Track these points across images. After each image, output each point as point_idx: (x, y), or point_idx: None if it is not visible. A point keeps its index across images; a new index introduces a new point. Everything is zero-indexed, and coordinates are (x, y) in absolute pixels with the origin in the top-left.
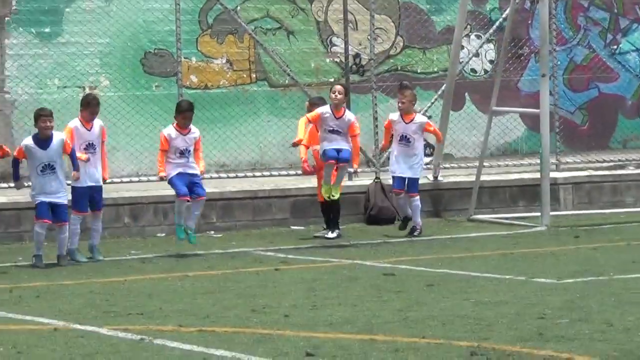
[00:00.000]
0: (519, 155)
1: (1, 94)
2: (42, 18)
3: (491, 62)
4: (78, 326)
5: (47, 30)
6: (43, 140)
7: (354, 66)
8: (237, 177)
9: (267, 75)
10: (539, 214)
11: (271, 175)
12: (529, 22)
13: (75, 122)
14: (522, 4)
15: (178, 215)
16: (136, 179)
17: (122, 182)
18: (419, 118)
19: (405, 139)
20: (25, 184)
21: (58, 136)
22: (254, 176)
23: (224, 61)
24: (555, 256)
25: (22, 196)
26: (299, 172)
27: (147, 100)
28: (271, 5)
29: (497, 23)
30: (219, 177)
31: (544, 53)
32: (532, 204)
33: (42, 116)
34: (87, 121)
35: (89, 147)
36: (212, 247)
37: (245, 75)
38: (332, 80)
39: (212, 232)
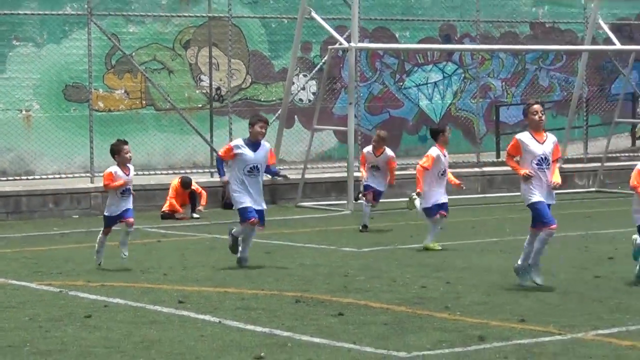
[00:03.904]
0: (332, 160)
1: None
2: None
3: (314, 93)
4: (15, 282)
5: None
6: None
7: (216, 96)
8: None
9: (153, 102)
10: (345, 202)
11: (155, 174)
12: (341, 65)
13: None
14: (336, 52)
15: None
16: (58, 175)
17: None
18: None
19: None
20: None
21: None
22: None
23: (123, 92)
24: (356, 232)
25: None
26: (177, 171)
27: (67, 119)
28: (157, 51)
29: (318, 66)
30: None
31: (350, 87)
32: (341, 195)
33: (259, 121)
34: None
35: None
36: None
37: (137, 102)
38: (200, 106)
39: None
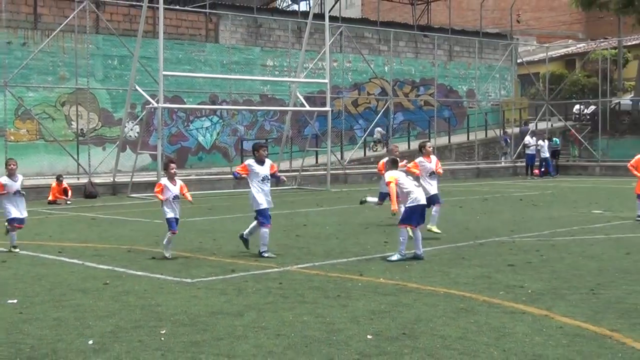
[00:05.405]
0: (148, 170)
1: None
2: None
3: (137, 132)
4: None
5: None
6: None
7: (81, 133)
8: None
9: (43, 137)
10: None
11: (44, 178)
12: (153, 117)
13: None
14: (150, 109)
15: None
16: None
17: None
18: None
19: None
20: None
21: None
22: None
23: (25, 131)
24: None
25: None
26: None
27: None
28: (45, 107)
29: (140, 117)
30: None
31: (159, 129)
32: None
33: (261, 147)
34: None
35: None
36: None
37: (34, 137)
38: (71, 139)
39: None
